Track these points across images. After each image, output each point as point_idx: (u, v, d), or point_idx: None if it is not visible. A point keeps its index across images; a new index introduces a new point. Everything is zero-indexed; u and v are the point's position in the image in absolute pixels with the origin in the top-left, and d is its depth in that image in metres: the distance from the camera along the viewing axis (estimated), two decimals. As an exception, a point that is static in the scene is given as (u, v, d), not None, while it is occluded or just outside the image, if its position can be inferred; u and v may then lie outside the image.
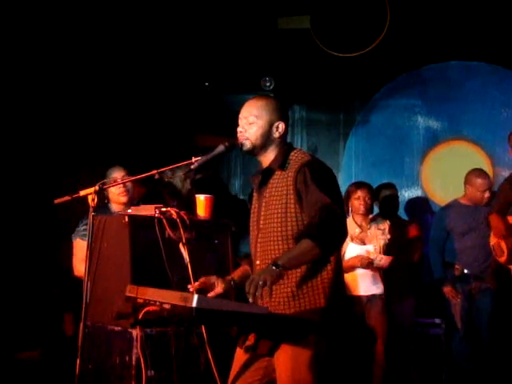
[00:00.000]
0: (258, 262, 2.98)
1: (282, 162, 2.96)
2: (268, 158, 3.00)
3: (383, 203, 5.77)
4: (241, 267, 3.26)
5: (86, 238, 4.05)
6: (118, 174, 4.31)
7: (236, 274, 3.17)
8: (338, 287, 2.95)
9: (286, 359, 2.84)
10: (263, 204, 2.98)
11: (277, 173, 2.96)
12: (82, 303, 3.11)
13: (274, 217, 2.92)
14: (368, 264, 4.93)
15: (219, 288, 3.05)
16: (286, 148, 3.01)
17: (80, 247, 4.15)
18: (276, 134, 2.98)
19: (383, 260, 4.95)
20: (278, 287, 2.83)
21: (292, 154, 2.99)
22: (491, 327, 5.53)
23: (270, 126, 2.97)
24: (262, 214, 2.97)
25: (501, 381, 5.52)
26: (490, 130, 6.69)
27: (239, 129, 2.99)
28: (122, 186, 4.20)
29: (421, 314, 5.75)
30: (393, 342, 5.16)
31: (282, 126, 2.98)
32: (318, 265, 2.87)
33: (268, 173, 2.99)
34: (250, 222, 3.07)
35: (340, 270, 2.98)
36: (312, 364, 2.82)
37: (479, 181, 5.57)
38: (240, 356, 2.99)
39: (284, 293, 2.88)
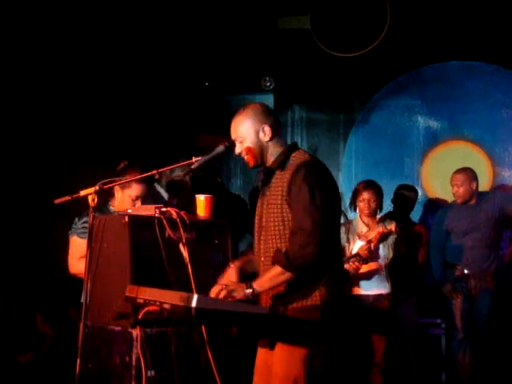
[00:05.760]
0: (262, 259, 3.04)
1: (280, 163, 3.02)
2: (270, 160, 3.07)
3: (397, 203, 5.83)
4: (245, 257, 3.28)
5: (84, 236, 4.04)
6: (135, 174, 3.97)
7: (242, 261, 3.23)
8: (338, 287, 2.98)
9: (282, 355, 2.89)
10: (265, 203, 3.05)
11: (277, 173, 3.03)
12: (80, 302, 3.11)
13: (272, 216, 2.99)
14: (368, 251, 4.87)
15: None
16: (287, 148, 3.07)
17: (76, 245, 4.08)
18: (266, 138, 3.05)
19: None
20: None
21: (294, 154, 3.04)
22: (491, 327, 5.52)
23: (257, 134, 3.04)
24: (264, 212, 3.05)
25: (500, 381, 5.52)
26: (489, 130, 6.68)
27: (237, 152, 3.07)
28: (138, 192, 4.00)
29: (421, 313, 5.75)
30: (393, 342, 5.16)
31: (267, 128, 3.04)
32: (318, 265, 2.89)
33: (269, 173, 3.06)
34: (254, 219, 3.13)
35: (341, 270, 3.00)
36: (307, 361, 2.86)
37: (452, 175, 5.61)
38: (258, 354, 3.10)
39: (282, 290, 2.93)
